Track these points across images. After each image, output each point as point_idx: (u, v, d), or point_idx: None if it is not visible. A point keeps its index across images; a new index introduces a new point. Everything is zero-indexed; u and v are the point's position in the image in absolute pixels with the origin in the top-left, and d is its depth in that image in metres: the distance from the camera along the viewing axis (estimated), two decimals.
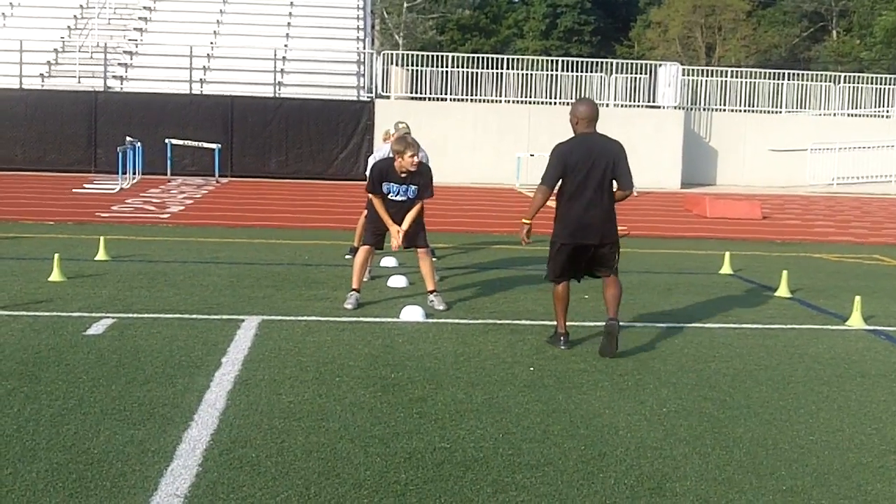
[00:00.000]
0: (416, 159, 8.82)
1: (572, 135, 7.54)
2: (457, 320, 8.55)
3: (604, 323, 7.43)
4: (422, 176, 9.01)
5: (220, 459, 4.84)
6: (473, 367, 6.89)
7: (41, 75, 27.69)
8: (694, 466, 5.00)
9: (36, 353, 6.84)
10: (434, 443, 5.21)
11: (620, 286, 7.52)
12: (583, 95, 29.60)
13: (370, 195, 9.12)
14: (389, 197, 9.02)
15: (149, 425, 5.33)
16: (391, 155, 9.09)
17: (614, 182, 7.45)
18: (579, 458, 5.05)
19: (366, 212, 10.05)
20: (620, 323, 7.39)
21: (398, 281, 10.24)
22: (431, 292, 9.15)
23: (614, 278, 7.52)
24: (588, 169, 7.31)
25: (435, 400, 6.03)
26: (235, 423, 5.44)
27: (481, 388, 6.36)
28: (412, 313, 8.53)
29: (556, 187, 7.47)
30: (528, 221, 7.57)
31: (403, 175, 8.90)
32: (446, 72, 29.44)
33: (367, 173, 9.49)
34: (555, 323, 7.74)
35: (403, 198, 9.03)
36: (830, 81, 31.67)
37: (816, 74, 32.85)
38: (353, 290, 9.06)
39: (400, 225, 9.05)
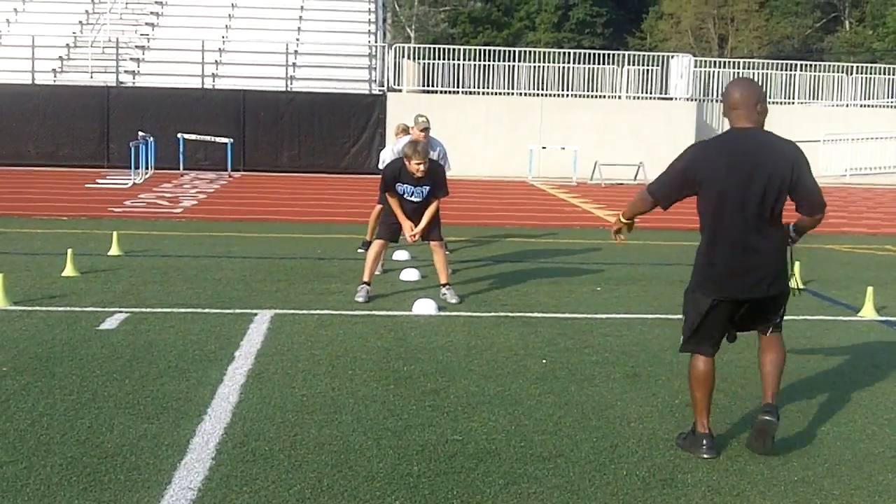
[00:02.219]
0: (422, 168, 8.80)
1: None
2: (469, 313, 8.56)
3: (623, 315, 7.38)
4: (435, 176, 9.02)
5: (233, 453, 4.87)
6: (486, 360, 6.90)
7: (53, 71, 27.77)
8: (706, 458, 5.00)
9: (50, 348, 6.88)
10: (446, 435, 5.23)
11: (784, 349, 5.28)
12: (598, 87, 29.57)
13: (386, 194, 9.14)
14: (405, 197, 9.04)
15: (162, 419, 5.36)
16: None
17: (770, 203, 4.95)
18: (591, 450, 5.06)
19: (379, 206, 10.07)
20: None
21: (410, 274, 10.26)
22: (444, 285, 9.16)
23: (777, 337, 5.26)
24: (745, 183, 4.89)
25: (447, 392, 6.05)
26: (248, 416, 5.46)
27: (494, 380, 6.37)
28: (424, 306, 8.54)
29: (668, 202, 5.21)
30: (625, 220, 5.50)
31: (416, 176, 8.90)
32: (458, 65, 29.41)
33: (381, 168, 9.49)
34: (689, 422, 5.33)
35: (419, 198, 9.05)
36: (843, 72, 31.51)
37: (829, 65, 32.71)
38: (364, 282, 9.08)
39: (416, 223, 9.07)
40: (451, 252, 11.91)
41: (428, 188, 9.02)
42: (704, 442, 5.02)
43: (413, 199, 9.05)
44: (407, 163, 8.85)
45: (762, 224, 4.94)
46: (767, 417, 4.99)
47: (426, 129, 10.26)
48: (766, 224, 4.95)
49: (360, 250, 11.65)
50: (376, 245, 9.35)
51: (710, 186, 4.91)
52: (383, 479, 4.59)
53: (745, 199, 4.88)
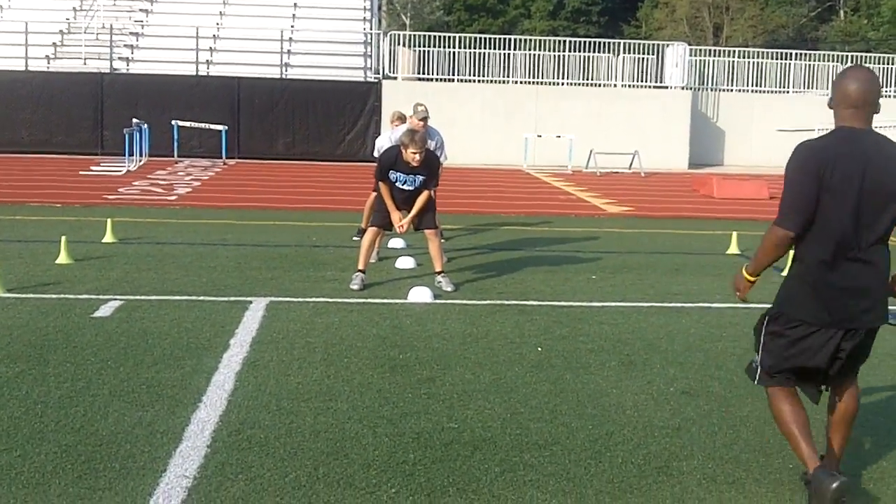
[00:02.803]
0: (418, 157, 8.80)
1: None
2: (464, 301, 8.55)
3: (618, 303, 7.37)
4: (430, 165, 9.02)
5: (228, 440, 4.86)
6: (481, 348, 6.89)
7: (47, 57, 27.65)
8: (701, 445, 5.01)
9: (44, 336, 6.86)
10: (442, 423, 5.23)
11: (858, 399, 4.55)
12: (593, 75, 29.53)
13: (379, 182, 9.16)
14: (397, 185, 9.03)
15: (157, 407, 5.35)
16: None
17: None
18: (587, 438, 5.06)
19: (374, 193, 10.06)
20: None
21: (406, 262, 10.25)
22: (439, 273, 9.16)
23: (853, 387, 4.50)
24: (861, 190, 4.14)
25: (443, 380, 6.04)
26: (244, 404, 5.46)
27: (489, 368, 6.37)
28: (420, 294, 8.53)
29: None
30: (752, 279, 4.59)
31: (411, 165, 8.89)
32: (453, 52, 29.35)
33: (376, 156, 9.49)
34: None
35: (411, 187, 9.05)
36: (838, 62, 31.51)
37: (824, 54, 32.69)
38: (359, 270, 9.07)
39: (408, 211, 9.08)
40: (447, 240, 11.90)
41: (422, 177, 9.02)
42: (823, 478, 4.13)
43: (405, 187, 9.05)
44: (403, 151, 8.84)
45: (879, 234, 4.20)
46: (836, 475, 4.15)
47: (425, 119, 10.24)
48: (883, 235, 4.22)
49: (354, 238, 11.64)
50: (370, 233, 9.35)
51: (832, 192, 4.12)
52: (379, 466, 4.58)
53: (864, 205, 4.13)
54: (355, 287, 8.89)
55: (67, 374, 5.93)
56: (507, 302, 8.56)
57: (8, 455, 4.58)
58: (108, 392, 5.60)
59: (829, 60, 31.58)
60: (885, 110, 24.16)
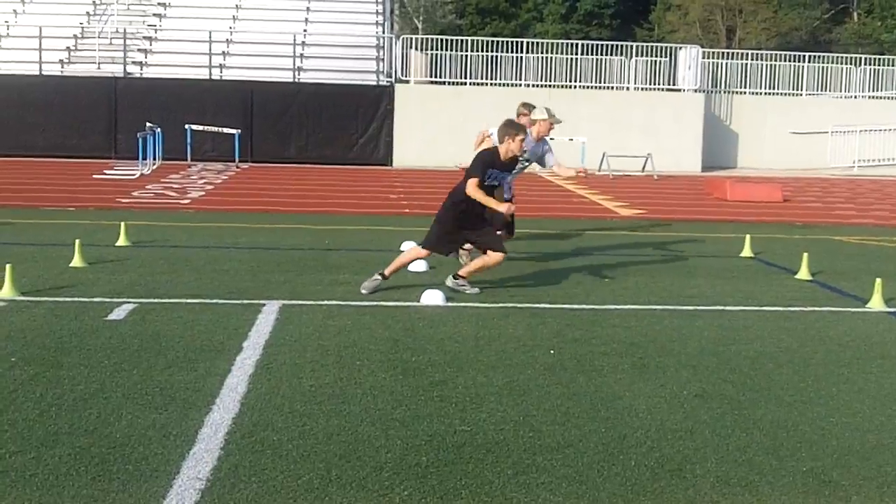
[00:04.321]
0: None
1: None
2: (477, 304, 8.54)
3: (631, 306, 7.36)
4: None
5: (241, 443, 4.87)
6: (494, 351, 6.89)
7: (61, 61, 27.78)
8: (714, 448, 4.99)
9: (58, 339, 6.89)
10: (454, 426, 5.22)
11: None
12: (606, 78, 29.46)
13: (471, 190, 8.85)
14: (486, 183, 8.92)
15: (170, 409, 5.37)
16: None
17: None
18: (600, 441, 5.05)
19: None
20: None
21: (418, 266, 10.23)
22: (462, 277, 9.04)
23: None
24: None
25: (455, 383, 6.04)
26: (257, 406, 5.46)
27: (502, 371, 6.36)
28: (432, 297, 8.53)
29: None
30: None
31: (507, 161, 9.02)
32: (466, 56, 29.36)
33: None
34: None
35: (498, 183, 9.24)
36: (851, 64, 31.39)
37: (837, 57, 32.58)
38: (382, 275, 8.99)
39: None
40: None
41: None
42: None
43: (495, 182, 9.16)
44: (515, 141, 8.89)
45: None
46: None
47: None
48: None
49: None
50: (420, 253, 9.15)
51: None
52: (391, 469, 4.59)
53: None
54: (366, 291, 8.82)
55: (81, 377, 5.95)
56: (519, 305, 8.55)
57: (22, 457, 4.60)
58: (121, 394, 5.62)
59: (842, 63, 31.46)
60: None
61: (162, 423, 5.13)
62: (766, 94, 30.40)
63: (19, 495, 4.17)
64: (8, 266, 8.38)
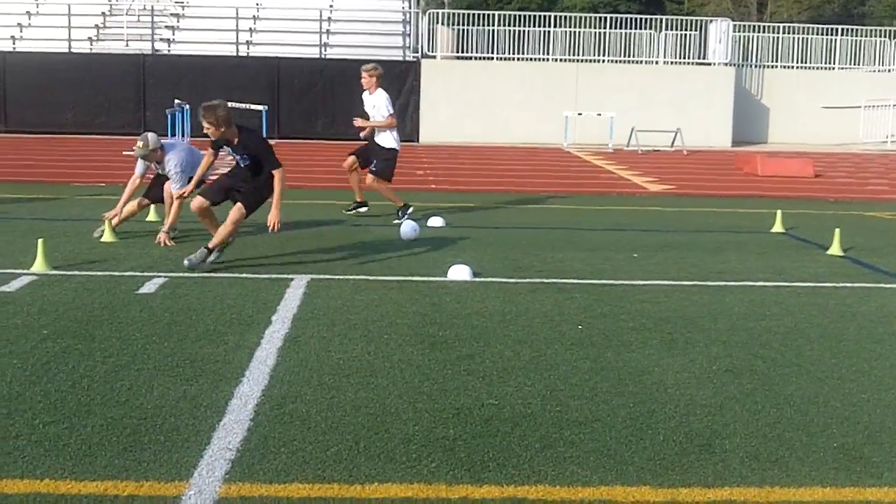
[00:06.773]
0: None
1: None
2: (503, 279, 8.54)
3: (660, 282, 7.31)
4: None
5: (271, 414, 4.90)
6: (521, 326, 6.88)
7: (89, 39, 27.87)
8: (744, 424, 4.97)
9: (90, 312, 6.95)
10: (482, 399, 5.23)
11: None
12: (634, 52, 29.24)
13: None
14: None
15: (201, 381, 5.41)
16: None
17: None
18: (628, 416, 5.04)
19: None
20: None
21: (436, 221, 10.31)
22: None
23: None
24: None
25: (483, 357, 6.05)
26: (286, 379, 5.50)
27: (529, 345, 6.36)
28: (459, 272, 8.53)
29: None
30: None
31: None
32: (493, 30, 29.18)
33: None
34: None
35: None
36: (885, 37, 30.93)
37: (870, 30, 32.13)
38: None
39: None
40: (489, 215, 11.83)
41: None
42: None
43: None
44: None
45: None
46: None
47: None
48: None
49: (395, 222, 11.64)
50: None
51: None
52: (419, 441, 4.60)
53: None
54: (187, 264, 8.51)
55: (113, 349, 6.00)
56: (546, 280, 8.54)
57: (55, 427, 4.65)
58: (152, 367, 5.66)
59: (875, 36, 31.03)
60: None
61: (192, 394, 5.18)
62: (797, 67, 30.04)
63: (52, 464, 4.22)
64: (40, 241, 8.46)
